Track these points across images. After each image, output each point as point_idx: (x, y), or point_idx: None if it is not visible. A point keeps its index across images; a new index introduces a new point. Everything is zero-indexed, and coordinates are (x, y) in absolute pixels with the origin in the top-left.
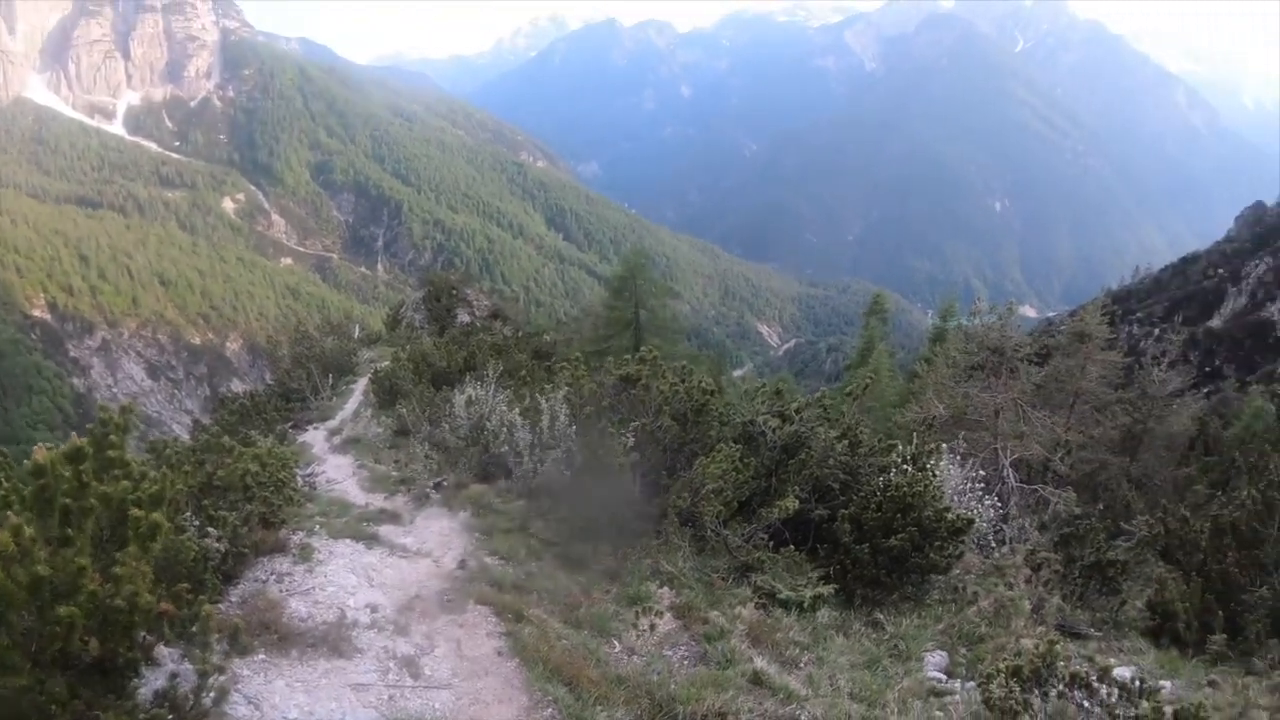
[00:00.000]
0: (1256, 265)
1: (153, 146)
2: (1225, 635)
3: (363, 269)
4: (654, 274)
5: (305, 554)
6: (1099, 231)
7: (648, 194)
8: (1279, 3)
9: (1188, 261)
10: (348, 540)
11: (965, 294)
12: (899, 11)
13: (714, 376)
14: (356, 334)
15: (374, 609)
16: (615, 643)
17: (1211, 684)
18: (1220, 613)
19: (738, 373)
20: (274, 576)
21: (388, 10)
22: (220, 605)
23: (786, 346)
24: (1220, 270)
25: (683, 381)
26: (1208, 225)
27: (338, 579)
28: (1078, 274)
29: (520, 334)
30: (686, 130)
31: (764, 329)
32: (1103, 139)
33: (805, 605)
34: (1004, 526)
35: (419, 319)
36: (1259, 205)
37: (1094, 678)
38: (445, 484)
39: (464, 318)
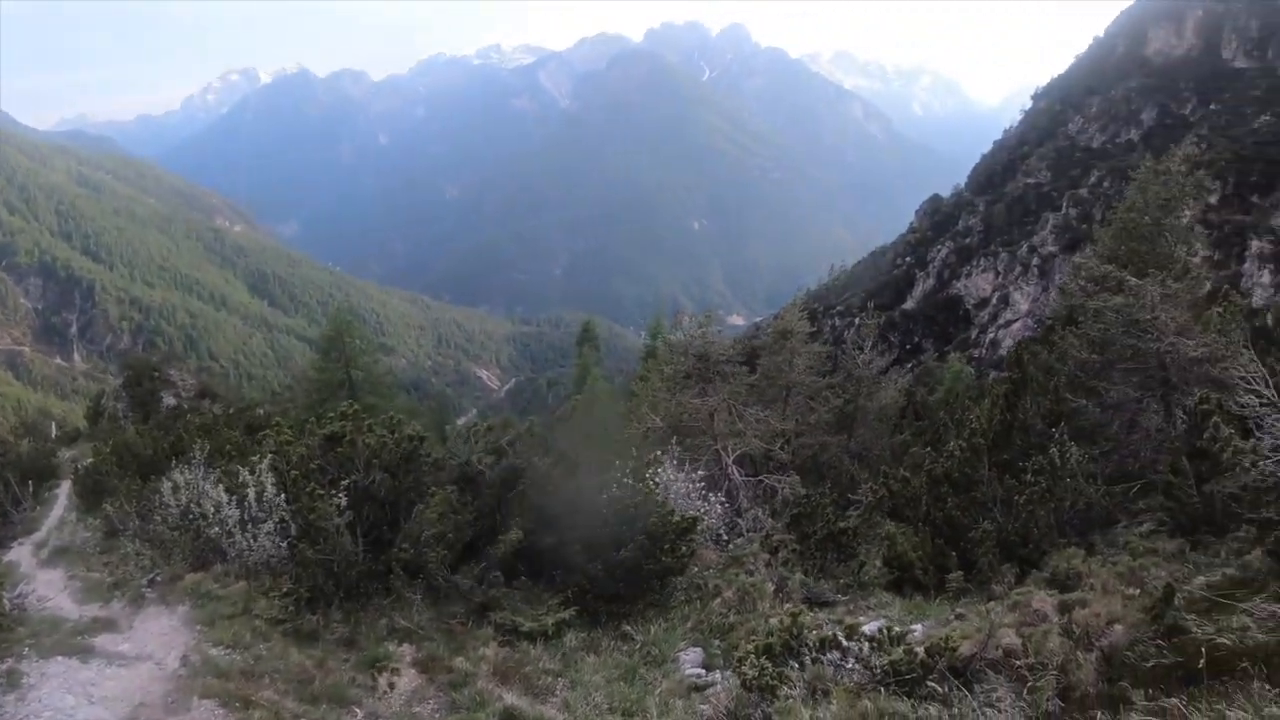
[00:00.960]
0: (939, 250)
1: None
2: (961, 572)
3: (58, 360)
4: (363, 331)
5: (14, 680)
6: (793, 238)
7: (352, 249)
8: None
9: (877, 255)
10: (60, 658)
11: (673, 312)
12: (590, 49)
13: (437, 427)
14: (54, 433)
15: None
16: (356, 710)
17: (959, 617)
18: (953, 553)
19: (461, 420)
20: None
21: (70, 72)
22: None
23: (508, 387)
24: (908, 258)
25: (390, 432)
26: (893, 221)
27: (53, 702)
28: (778, 280)
29: (231, 411)
30: (387, 180)
31: (483, 373)
32: (789, 154)
33: (550, 633)
34: (738, 520)
35: (121, 408)
36: (935, 198)
37: (843, 637)
38: (160, 579)
39: (169, 401)
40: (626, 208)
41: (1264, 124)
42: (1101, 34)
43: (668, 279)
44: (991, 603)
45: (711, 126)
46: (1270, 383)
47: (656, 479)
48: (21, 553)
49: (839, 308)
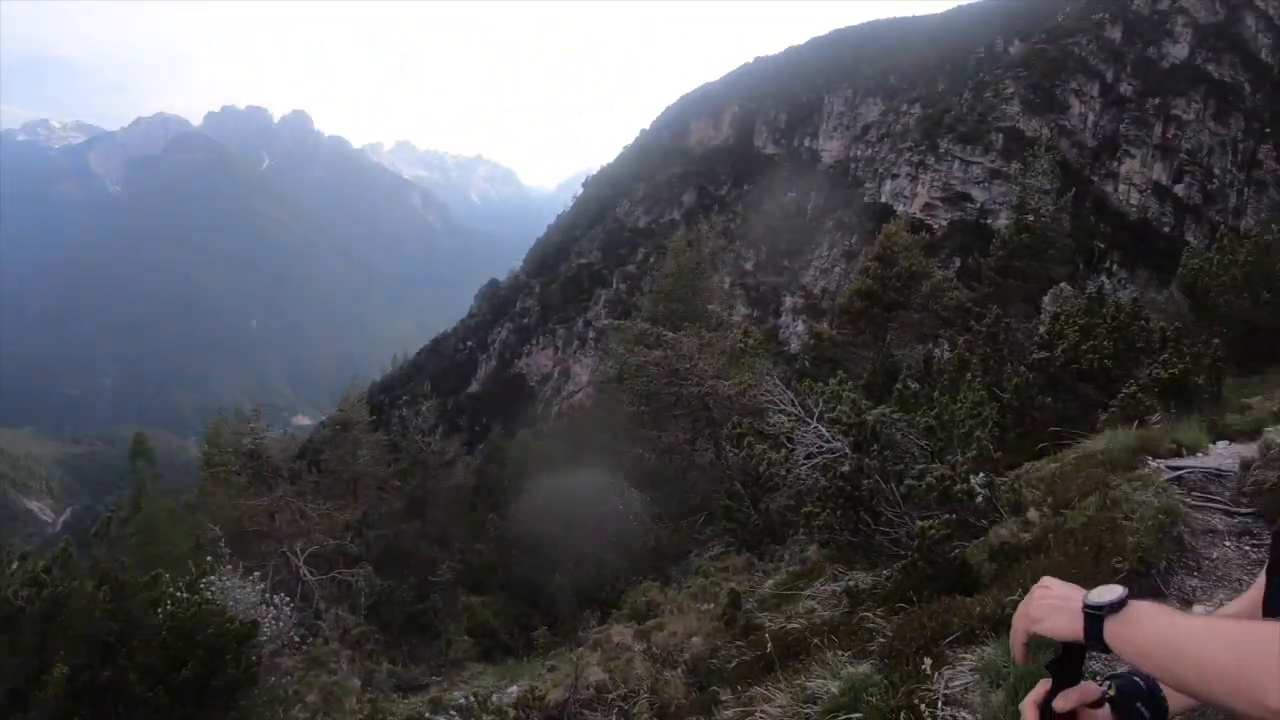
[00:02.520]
0: (500, 332)
1: None
2: (545, 627)
3: None
4: None
5: None
6: (356, 332)
7: None
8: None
9: (440, 341)
10: None
11: (236, 418)
12: (146, 131)
13: None
14: None
15: None
16: None
17: (551, 669)
18: (534, 611)
19: (14, 566)
20: None
21: None
22: None
23: (64, 518)
24: (469, 343)
25: None
26: (452, 308)
27: None
28: (343, 376)
29: None
30: None
31: (34, 504)
32: (350, 246)
33: None
34: (318, 620)
35: None
36: (493, 282)
37: (428, 713)
38: None
39: None
40: (181, 307)
41: (790, 200)
42: (648, 126)
43: (228, 384)
44: (579, 648)
45: (271, 217)
46: (796, 402)
47: (212, 589)
48: None
49: (405, 397)
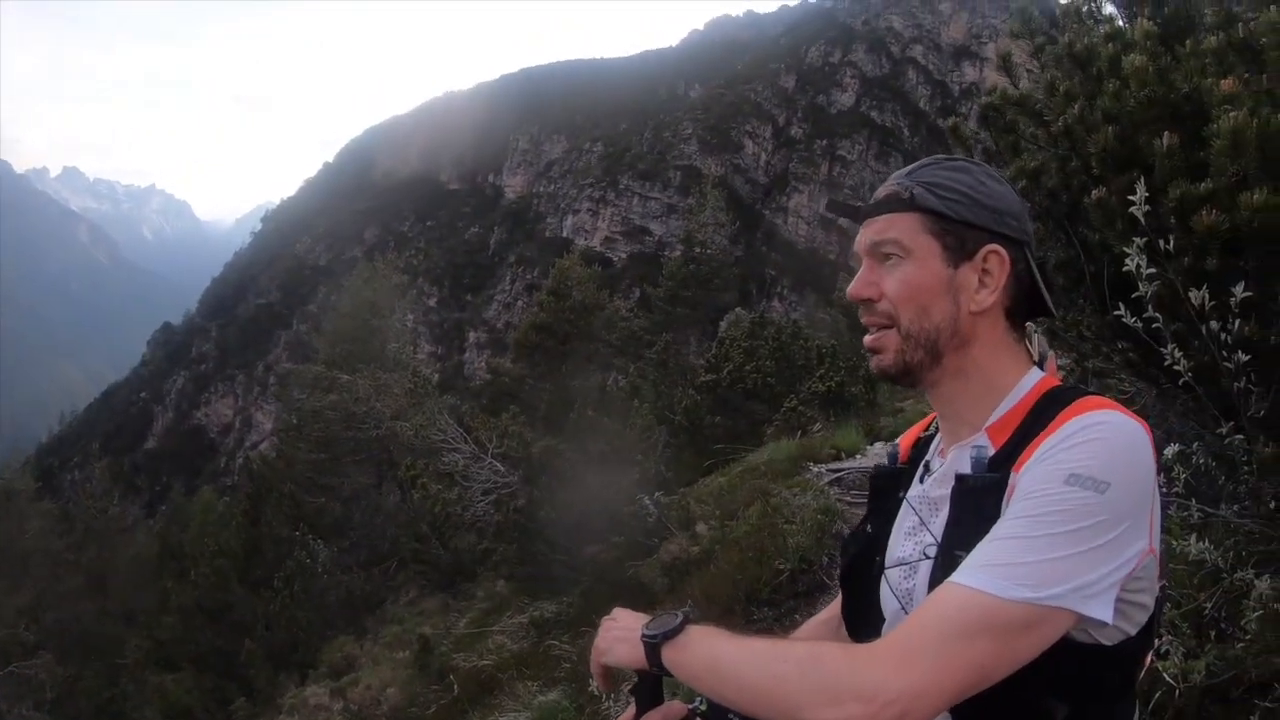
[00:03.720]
0: (175, 381)
1: None
2: (244, 697)
3: None
4: None
5: None
6: (15, 383)
7: None
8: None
9: (110, 394)
10: None
11: None
12: None
13: None
14: None
15: None
16: None
17: None
18: (231, 682)
19: None
20: None
21: None
22: None
23: None
24: (143, 394)
25: None
26: (124, 355)
27: None
28: (4, 434)
29: None
30: None
31: None
32: (10, 285)
33: None
34: None
35: None
36: (167, 326)
37: None
38: None
39: None
40: None
41: (473, 234)
42: (332, 159)
43: None
44: (279, 716)
45: None
46: (469, 438)
47: None
48: None
49: (75, 458)
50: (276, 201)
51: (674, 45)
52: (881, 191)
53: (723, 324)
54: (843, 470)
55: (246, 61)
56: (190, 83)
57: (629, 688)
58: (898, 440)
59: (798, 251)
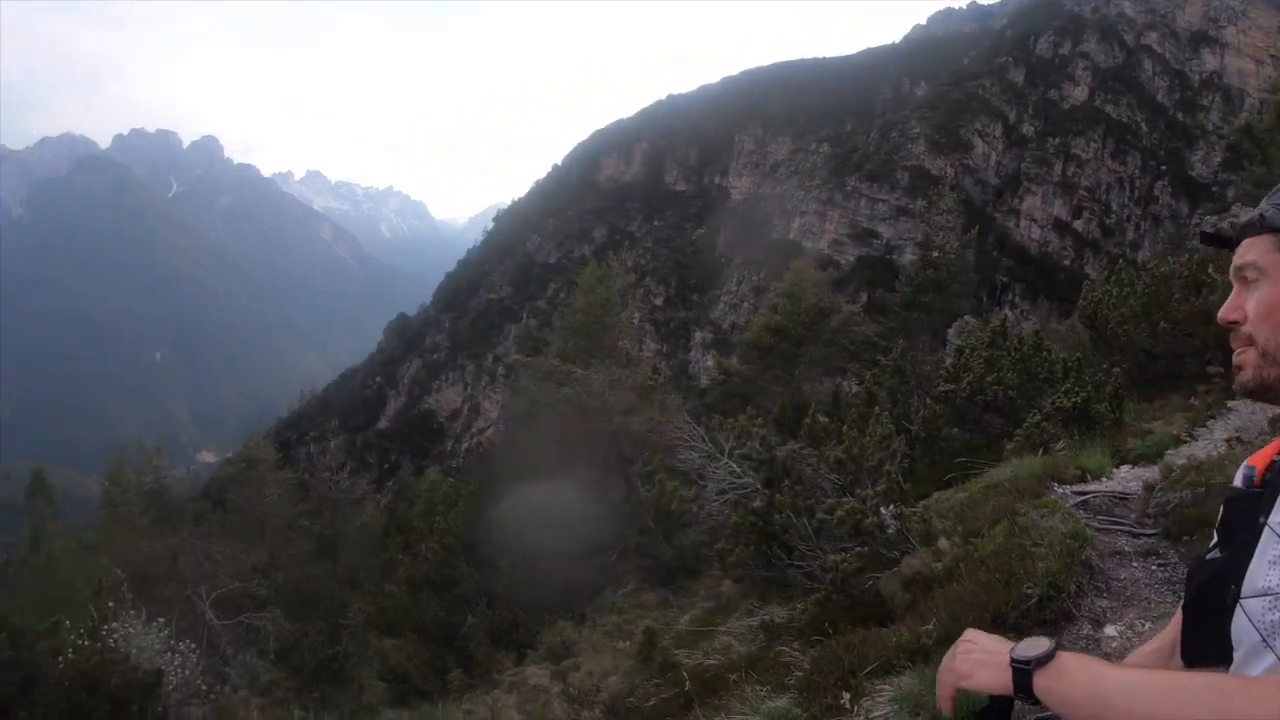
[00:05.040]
0: (409, 367)
1: None
2: (460, 669)
3: None
4: None
5: None
6: (262, 367)
7: None
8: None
9: (347, 376)
10: None
11: (138, 455)
12: (52, 151)
13: None
14: None
15: None
16: None
17: (467, 713)
18: (448, 654)
19: None
20: None
21: None
22: None
23: None
24: (378, 378)
25: None
26: (361, 342)
27: None
28: (250, 411)
29: None
30: None
31: None
32: (257, 278)
33: None
34: (226, 667)
35: None
36: (402, 316)
37: None
38: None
39: None
40: (81, 338)
41: (699, 235)
42: (560, 162)
43: (130, 418)
44: (495, 690)
45: (177, 247)
46: (707, 438)
47: (115, 636)
48: None
49: (312, 434)
50: (507, 202)
51: (897, 41)
52: (1245, 216)
53: (950, 331)
54: (1089, 493)
55: (474, 74)
56: (422, 95)
57: (976, 712)
58: (1247, 461)
59: (1030, 257)
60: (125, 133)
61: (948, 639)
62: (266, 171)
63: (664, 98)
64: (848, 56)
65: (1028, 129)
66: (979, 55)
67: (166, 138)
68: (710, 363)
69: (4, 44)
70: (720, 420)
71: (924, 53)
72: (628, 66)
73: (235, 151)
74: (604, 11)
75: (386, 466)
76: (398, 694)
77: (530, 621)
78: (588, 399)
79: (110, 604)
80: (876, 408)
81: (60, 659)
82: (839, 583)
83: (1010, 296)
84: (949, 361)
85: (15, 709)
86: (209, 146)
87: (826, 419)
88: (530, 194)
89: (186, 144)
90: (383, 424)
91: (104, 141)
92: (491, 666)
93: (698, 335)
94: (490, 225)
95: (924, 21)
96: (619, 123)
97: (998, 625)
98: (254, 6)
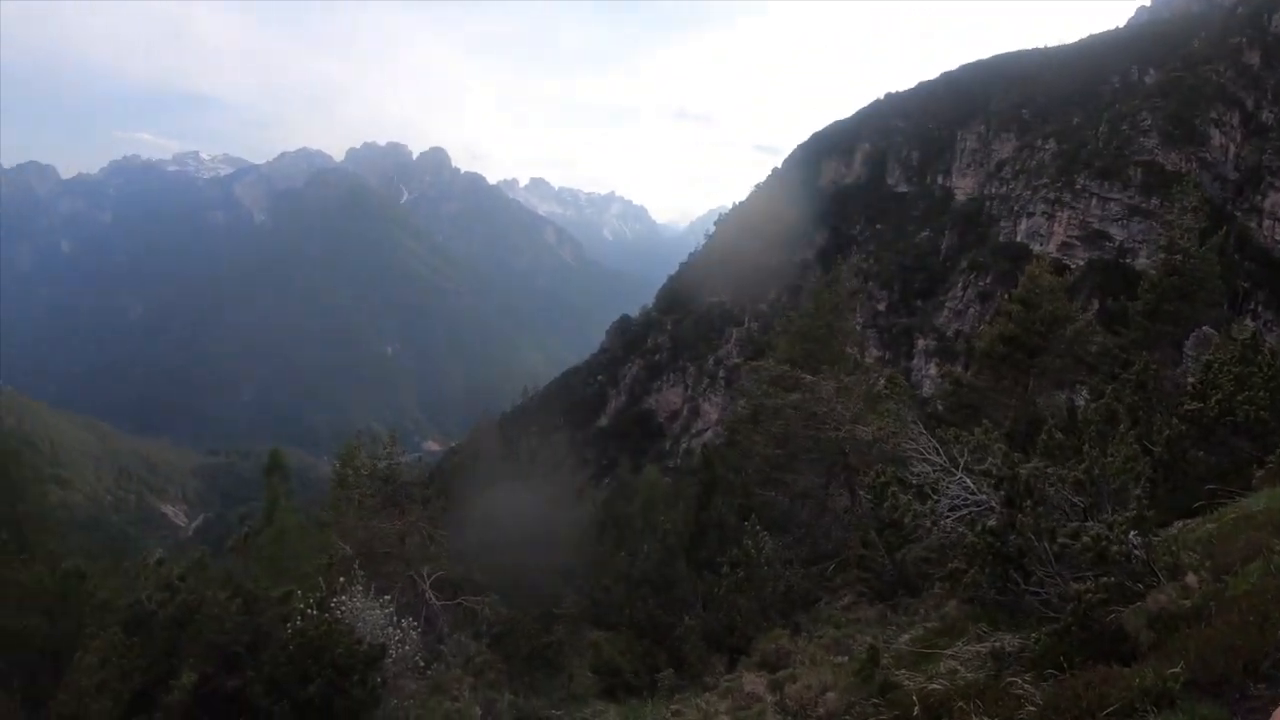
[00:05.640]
0: (630, 368)
1: None
2: (671, 669)
3: None
4: (33, 460)
5: None
6: (486, 362)
7: (23, 365)
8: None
9: (569, 375)
10: None
11: (370, 440)
12: (290, 165)
13: (116, 571)
14: None
15: None
16: None
17: (676, 714)
18: (661, 652)
19: (152, 561)
20: None
21: None
22: None
23: (196, 524)
24: (600, 377)
25: (49, 570)
26: (583, 342)
27: None
28: (473, 404)
29: None
30: (67, 290)
31: (168, 509)
32: (483, 278)
33: None
34: (440, 646)
35: None
36: (625, 318)
37: None
38: None
39: None
40: (319, 332)
41: (923, 239)
42: (780, 165)
43: (361, 405)
44: (706, 694)
45: (408, 249)
46: (941, 451)
47: (342, 608)
48: None
49: (534, 428)
50: (729, 206)
51: (1121, 26)
52: None
53: (1188, 344)
54: None
55: (688, 80)
56: (638, 104)
57: None
58: None
59: (1275, 261)
60: (358, 146)
61: (1196, 684)
62: (492, 179)
63: (882, 96)
64: (1071, 45)
65: (1267, 116)
66: (1209, 37)
67: (396, 150)
68: (933, 371)
69: (246, 71)
70: (956, 433)
71: (1151, 37)
72: (846, 64)
73: (462, 161)
74: (821, 9)
75: (604, 463)
76: (607, 687)
77: (746, 627)
78: (815, 405)
79: (341, 579)
80: (1120, 426)
81: (289, 625)
82: (1080, 614)
83: (1253, 305)
84: (1194, 377)
85: (244, 665)
86: (437, 157)
87: (1063, 435)
88: (751, 197)
89: (415, 155)
90: (603, 422)
91: (338, 155)
92: (703, 669)
93: (921, 342)
94: (711, 229)
95: (1148, 2)
96: (838, 123)
97: (1250, 673)
98: (478, 22)
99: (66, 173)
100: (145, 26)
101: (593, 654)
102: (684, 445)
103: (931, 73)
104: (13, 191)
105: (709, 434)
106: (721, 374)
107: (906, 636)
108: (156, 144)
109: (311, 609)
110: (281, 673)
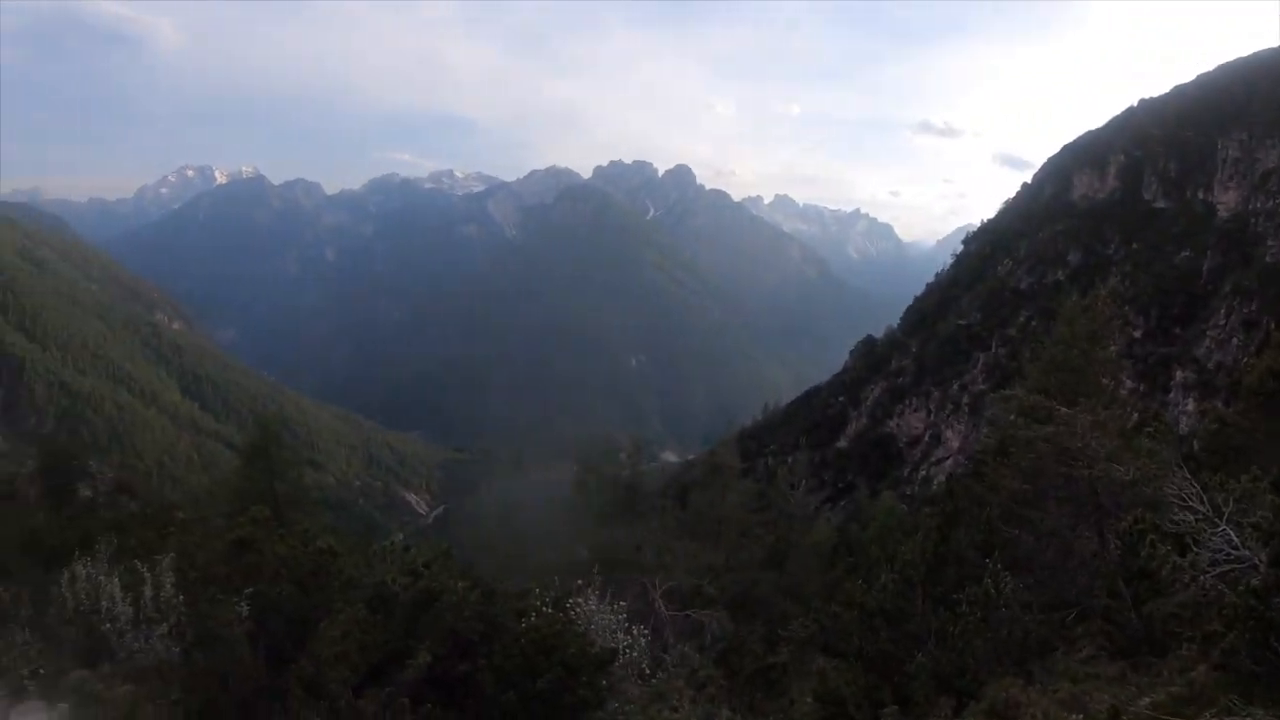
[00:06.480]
0: (873, 390)
1: None
2: (896, 706)
3: None
4: (291, 442)
5: None
6: (728, 377)
7: (288, 361)
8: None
9: (811, 394)
10: None
11: (610, 448)
12: (539, 182)
13: (361, 548)
14: None
15: None
16: None
17: None
18: (887, 687)
19: (386, 544)
20: None
21: (27, 144)
22: None
23: (436, 514)
24: (841, 398)
25: (303, 544)
26: (826, 361)
27: None
28: (713, 418)
29: (148, 511)
30: (330, 295)
31: (411, 497)
32: (727, 294)
33: None
34: (664, 654)
35: (34, 492)
36: (869, 338)
37: None
38: (44, 673)
39: (86, 493)
40: (565, 341)
41: (1183, 259)
42: (1029, 180)
43: (603, 415)
44: None
45: (653, 264)
46: (1205, 499)
47: (577, 609)
48: None
49: (772, 446)
50: (977, 223)
51: None
52: None
53: None
54: None
55: (930, 92)
56: (879, 117)
57: None
58: None
59: None
60: (605, 164)
61: None
62: (736, 196)
63: (1135, 103)
64: None
65: None
66: None
67: (642, 167)
68: (1192, 406)
69: (497, 94)
70: (1220, 479)
71: None
72: (1097, 69)
73: (706, 177)
74: (1067, 11)
75: (840, 486)
76: (828, 716)
77: (978, 670)
78: (1069, 440)
79: (579, 581)
80: None
81: (523, 620)
82: None
83: None
84: None
85: (476, 653)
86: (682, 174)
87: None
88: (1000, 214)
89: (661, 172)
90: (842, 443)
91: (585, 173)
92: (929, 710)
93: (1179, 374)
94: (959, 248)
95: None
96: (1090, 133)
97: None
98: (720, 39)
99: (331, 189)
100: (401, 57)
101: (817, 681)
102: (923, 473)
103: (1187, 75)
104: (282, 205)
105: (949, 462)
106: (966, 400)
107: (1147, 700)
108: (414, 163)
109: (547, 607)
110: (512, 664)
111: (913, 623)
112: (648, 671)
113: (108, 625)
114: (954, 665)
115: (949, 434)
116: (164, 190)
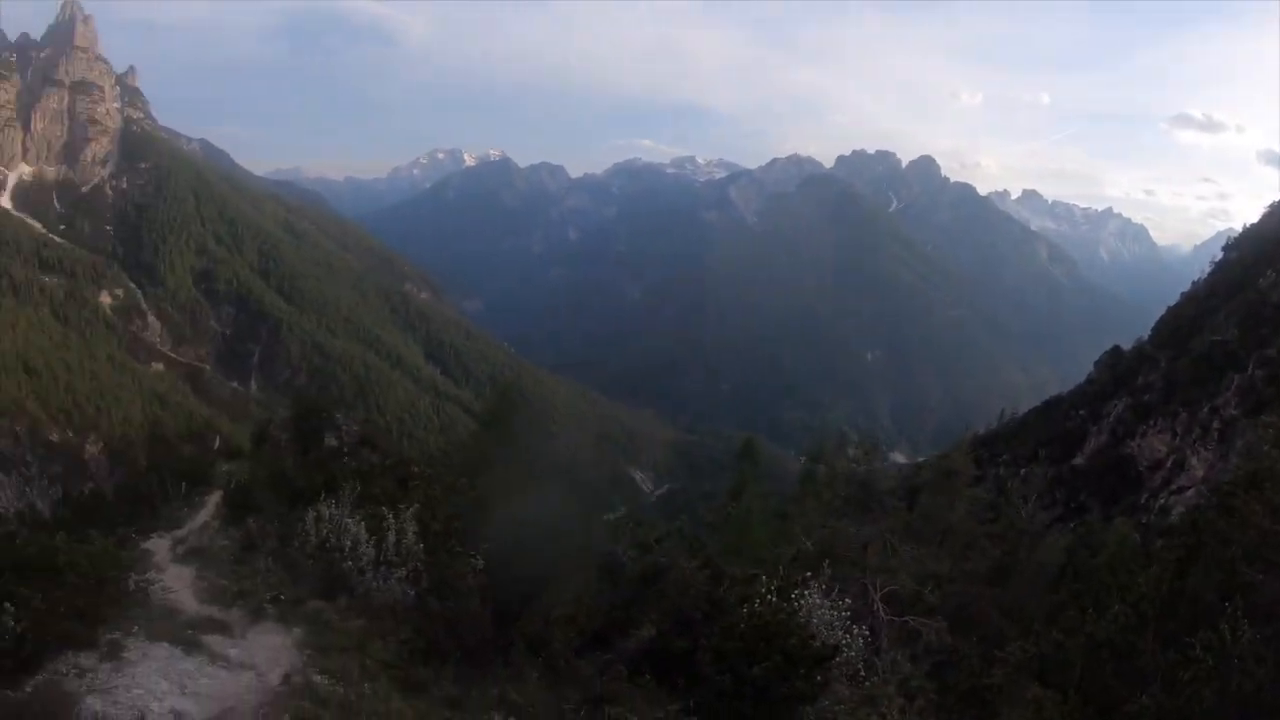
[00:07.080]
0: (1116, 405)
1: (37, 226)
2: None
3: (235, 384)
4: (527, 410)
5: (114, 652)
6: (966, 378)
7: (529, 335)
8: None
9: (1051, 404)
10: (166, 645)
11: (837, 439)
12: (781, 170)
13: (587, 519)
14: (216, 446)
15: (179, 717)
16: None
17: None
18: None
19: (609, 518)
20: (75, 671)
21: (288, 129)
22: (9, 692)
23: (660, 492)
24: (1081, 411)
25: (540, 511)
26: (1069, 369)
27: (146, 682)
28: (946, 419)
29: (388, 462)
30: (572, 274)
31: (638, 474)
32: (970, 291)
33: None
34: (876, 658)
35: (285, 439)
36: (1116, 349)
37: None
38: (284, 599)
39: (331, 441)
40: (801, 330)
41: None
42: None
43: (834, 407)
44: None
45: (894, 257)
46: None
47: (801, 601)
48: (159, 545)
49: (1005, 456)
50: (1239, 228)
51: None
52: None
53: None
54: None
55: (1188, 82)
56: (1133, 110)
57: None
58: None
59: None
60: (847, 154)
61: None
62: (982, 190)
63: None
64: None
65: None
66: None
67: (885, 158)
68: None
69: (738, 82)
70: None
71: None
72: None
73: (951, 170)
74: None
75: (1073, 505)
76: None
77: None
78: None
79: (807, 573)
80: None
81: (746, 606)
82: None
83: None
84: None
85: (697, 632)
86: (925, 166)
87: None
88: (1265, 219)
89: (905, 163)
90: (1078, 460)
91: (827, 162)
92: None
93: None
94: (1218, 254)
95: None
96: None
97: None
98: (965, 26)
99: (574, 173)
100: (642, 47)
101: (1033, 710)
102: (1161, 500)
103: None
104: (527, 187)
105: (1191, 493)
106: (1216, 425)
107: None
108: (656, 149)
109: (772, 595)
110: (732, 647)
111: (1141, 660)
112: (861, 674)
113: (349, 563)
114: (1179, 712)
115: (1194, 461)
116: (416, 171)
